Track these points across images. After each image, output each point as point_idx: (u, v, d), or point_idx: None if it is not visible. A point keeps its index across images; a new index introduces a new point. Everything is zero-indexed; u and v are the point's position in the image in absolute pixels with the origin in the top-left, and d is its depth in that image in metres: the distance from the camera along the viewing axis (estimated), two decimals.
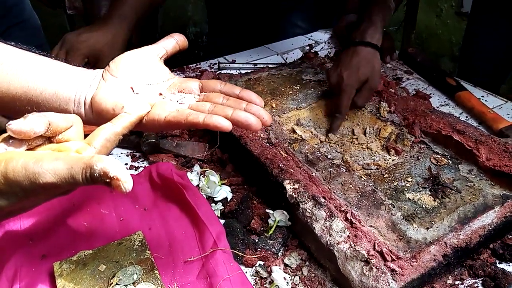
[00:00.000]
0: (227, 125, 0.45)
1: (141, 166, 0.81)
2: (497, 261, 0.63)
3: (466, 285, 0.60)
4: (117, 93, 0.50)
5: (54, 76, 0.50)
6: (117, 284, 0.55)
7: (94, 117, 0.50)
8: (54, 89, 0.49)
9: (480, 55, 1.22)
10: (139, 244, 0.60)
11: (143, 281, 0.55)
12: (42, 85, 0.49)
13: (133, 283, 0.55)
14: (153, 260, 0.58)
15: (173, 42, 0.55)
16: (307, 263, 0.63)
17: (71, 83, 0.50)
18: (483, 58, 1.22)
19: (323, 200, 0.63)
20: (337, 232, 0.59)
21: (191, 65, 1.15)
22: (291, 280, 0.61)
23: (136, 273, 0.56)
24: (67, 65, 0.52)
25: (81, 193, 0.71)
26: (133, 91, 0.51)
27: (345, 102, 0.82)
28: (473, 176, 0.71)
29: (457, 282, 0.60)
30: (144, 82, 0.52)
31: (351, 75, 0.82)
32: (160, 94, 0.52)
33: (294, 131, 0.84)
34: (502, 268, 0.60)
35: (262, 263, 0.63)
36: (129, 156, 0.83)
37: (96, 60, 0.90)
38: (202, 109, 0.48)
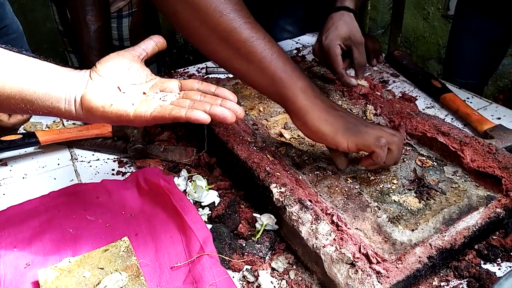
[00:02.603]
0: (206, 118, 0.50)
1: (128, 172, 0.80)
2: (482, 262, 0.63)
3: (451, 286, 0.60)
4: (105, 92, 0.53)
5: (45, 77, 0.53)
6: None
7: (84, 113, 0.53)
8: (45, 89, 0.52)
9: (464, 58, 1.24)
10: (125, 250, 0.60)
11: None
12: (34, 85, 0.52)
13: None
14: (139, 266, 0.58)
15: (153, 43, 0.60)
16: (294, 267, 0.63)
17: (60, 83, 0.53)
18: (467, 61, 1.23)
19: (309, 203, 0.63)
20: (323, 235, 0.59)
21: (179, 70, 1.15)
22: (278, 284, 0.61)
23: (122, 280, 0.56)
24: (57, 66, 0.56)
25: (67, 199, 0.71)
26: (120, 90, 0.54)
27: (335, 59, 0.82)
28: (458, 178, 0.72)
29: (442, 284, 0.60)
30: (129, 82, 0.55)
31: (330, 34, 0.83)
32: (144, 93, 0.55)
33: (281, 135, 0.84)
34: (487, 269, 0.61)
35: (249, 267, 0.63)
36: (116, 161, 0.83)
37: None
38: (183, 105, 0.52)
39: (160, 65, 1.43)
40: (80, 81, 0.54)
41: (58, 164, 0.82)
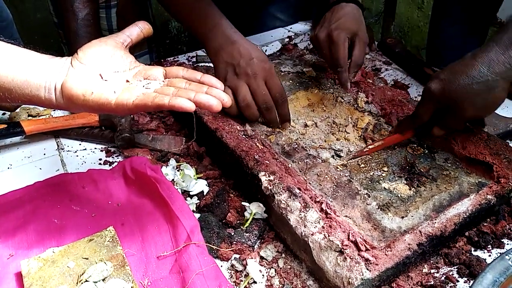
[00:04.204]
0: (190, 106, 0.48)
1: (115, 161, 0.79)
2: (473, 249, 0.63)
3: (442, 273, 0.59)
4: (86, 80, 0.51)
5: (24, 64, 0.52)
6: (86, 281, 0.54)
7: (65, 102, 0.52)
8: (24, 77, 0.51)
9: (446, 44, 1.22)
10: (110, 240, 0.59)
11: (114, 277, 0.54)
12: (12, 72, 0.50)
13: (103, 280, 0.54)
14: (124, 256, 0.57)
15: (138, 30, 0.58)
16: (283, 255, 0.63)
17: (40, 70, 0.52)
18: (450, 47, 1.21)
19: (298, 191, 0.63)
20: (312, 223, 0.59)
21: (168, 59, 1.13)
22: (267, 272, 0.60)
23: (106, 270, 0.55)
24: (36, 53, 0.54)
25: (52, 189, 0.69)
26: (102, 78, 0.52)
27: (342, 52, 0.79)
28: (449, 165, 0.71)
29: (432, 271, 0.60)
30: (111, 70, 0.53)
31: (340, 25, 0.80)
32: (127, 81, 0.53)
33: None
34: (477, 256, 0.61)
35: (237, 256, 0.63)
36: (104, 151, 0.82)
37: None
38: (166, 92, 0.51)
39: (154, 57, 1.41)
40: (60, 69, 0.52)
41: (44, 154, 0.80)
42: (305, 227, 0.59)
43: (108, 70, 0.53)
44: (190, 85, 0.53)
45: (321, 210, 0.61)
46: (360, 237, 0.57)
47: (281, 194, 0.63)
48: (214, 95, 0.51)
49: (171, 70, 0.55)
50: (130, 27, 0.58)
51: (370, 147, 0.74)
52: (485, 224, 0.66)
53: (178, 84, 0.53)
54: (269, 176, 0.65)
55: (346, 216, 0.61)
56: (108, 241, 0.59)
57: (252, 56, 0.77)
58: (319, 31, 0.83)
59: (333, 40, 0.79)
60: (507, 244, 0.63)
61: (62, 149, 0.81)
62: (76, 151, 0.81)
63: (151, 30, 0.60)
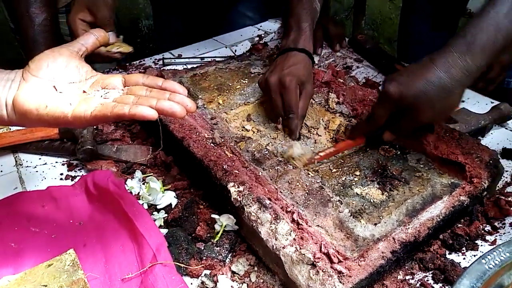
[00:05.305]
0: (152, 114, 0.46)
1: (78, 175, 0.75)
2: (447, 252, 0.62)
3: (417, 279, 0.58)
4: (40, 93, 0.49)
5: None
6: None
7: (18, 118, 0.49)
8: None
9: (416, 39, 1.22)
10: (71, 264, 0.56)
11: None
12: None
13: None
14: (86, 281, 0.54)
15: (93, 38, 0.56)
16: (256, 269, 0.60)
17: None
18: (419, 42, 1.21)
19: (268, 202, 0.60)
20: (283, 235, 0.57)
21: (134, 62, 1.09)
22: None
23: None
24: None
25: (9, 209, 0.65)
26: (56, 90, 0.50)
27: (294, 98, 0.76)
28: (422, 166, 0.70)
29: (407, 277, 0.59)
30: (66, 81, 0.51)
31: (292, 72, 0.77)
32: (84, 91, 0.51)
33: (243, 128, 0.81)
34: (452, 260, 0.60)
35: (208, 272, 0.60)
36: (65, 165, 0.78)
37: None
38: (126, 101, 0.49)
39: (121, 59, 1.36)
40: (11, 83, 0.50)
41: (1, 171, 0.76)
42: (276, 239, 0.56)
43: (63, 81, 0.51)
44: (151, 92, 0.51)
45: (293, 220, 0.59)
46: (333, 248, 0.55)
47: (251, 206, 0.60)
48: (177, 101, 0.49)
49: (131, 78, 0.53)
50: (85, 35, 0.56)
51: (320, 154, 0.71)
52: (459, 225, 0.65)
53: (139, 92, 0.51)
54: (238, 187, 0.63)
55: (318, 225, 0.59)
56: (69, 265, 0.56)
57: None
58: (270, 75, 0.79)
59: (285, 86, 0.76)
60: (481, 245, 0.62)
61: (20, 165, 0.77)
62: (35, 166, 0.77)
63: (107, 37, 0.59)
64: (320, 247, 0.55)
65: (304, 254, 0.54)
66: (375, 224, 0.60)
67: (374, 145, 0.74)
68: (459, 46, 0.61)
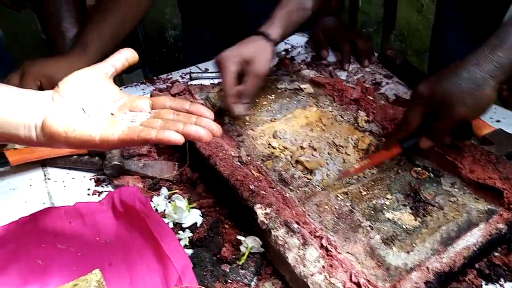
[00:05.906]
0: (178, 139, 0.46)
1: (105, 191, 0.75)
2: (483, 282, 0.59)
3: None
4: (68, 116, 0.49)
5: (0, 101, 0.49)
6: None
7: (46, 139, 0.49)
8: (1, 115, 0.49)
9: (449, 51, 1.18)
10: (96, 285, 0.55)
11: None
12: None
13: None
14: None
15: (122, 59, 0.55)
16: None
17: (18, 108, 0.49)
18: (453, 55, 1.17)
19: (296, 226, 0.59)
20: (311, 262, 0.55)
21: (161, 76, 1.09)
22: None
23: None
24: (15, 89, 0.51)
25: (37, 225, 0.66)
26: (85, 113, 0.50)
27: (225, 76, 0.76)
28: (456, 190, 0.67)
29: None
30: (95, 103, 0.51)
31: (233, 50, 0.78)
32: (112, 114, 0.51)
33: (270, 145, 0.79)
34: None
35: None
36: (93, 180, 0.78)
37: (50, 86, 0.87)
38: (154, 125, 0.49)
39: (147, 71, 1.37)
40: (40, 105, 0.50)
41: (30, 186, 0.77)
42: (304, 266, 0.55)
43: (91, 104, 0.51)
44: (178, 115, 0.50)
45: (321, 246, 0.57)
46: (364, 278, 0.53)
47: (278, 230, 0.59)
48: (203, 125, 0.49)
49: (158, 101, 0.53)
50: (114, 55, 0.56)
51: (355, 166, 0.70)
52: (496, 254, 0.62)
53: (166, 116, 0.51)
54: (265, 209, 0.62)
55: (348, 252, 0.58)
56: (94, 285, 0.55)
57: None
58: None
59: (219, 64, 0.78)
60: None
61: (49, 179, 0.78)
62: (63, 181, 0.77)
63: (137, 57, 0.58)
64: (351, 276, 0.53)
65: (334, 284, 0.52)
66: (408, 252, 0.57)
67: (411, 155, 0.71)
68: (490, 43, 0.61)
